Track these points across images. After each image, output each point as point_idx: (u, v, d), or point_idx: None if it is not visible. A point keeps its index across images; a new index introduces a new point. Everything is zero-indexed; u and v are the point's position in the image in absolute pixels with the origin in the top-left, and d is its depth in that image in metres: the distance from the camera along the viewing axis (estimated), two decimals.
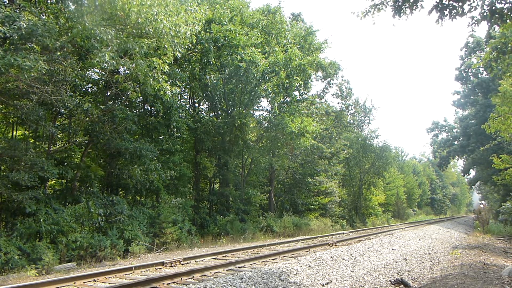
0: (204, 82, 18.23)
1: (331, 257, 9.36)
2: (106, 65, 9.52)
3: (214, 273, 8.13)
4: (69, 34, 9.81)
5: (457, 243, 15.99)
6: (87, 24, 8.80)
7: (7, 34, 8.26)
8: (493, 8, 6.91)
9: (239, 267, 8.84)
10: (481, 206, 35.10)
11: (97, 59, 9.26)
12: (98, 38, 9.06)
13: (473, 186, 51.64)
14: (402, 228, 23.38)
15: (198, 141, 18.73)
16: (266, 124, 21.45)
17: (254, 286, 6.43)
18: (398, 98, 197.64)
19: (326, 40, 23.46)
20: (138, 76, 10.44)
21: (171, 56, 11.49)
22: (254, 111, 23.22)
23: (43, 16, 9.95)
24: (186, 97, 20.26)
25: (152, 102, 15.09)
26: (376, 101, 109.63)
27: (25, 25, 8.38)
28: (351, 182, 32.50)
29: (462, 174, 46.42)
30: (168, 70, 11.25)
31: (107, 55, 9.14)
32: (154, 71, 10.63)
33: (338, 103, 32.90)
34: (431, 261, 10.63)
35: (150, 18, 9.84)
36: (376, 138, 33.06)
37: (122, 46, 9.80)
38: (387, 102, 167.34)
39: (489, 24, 7.21)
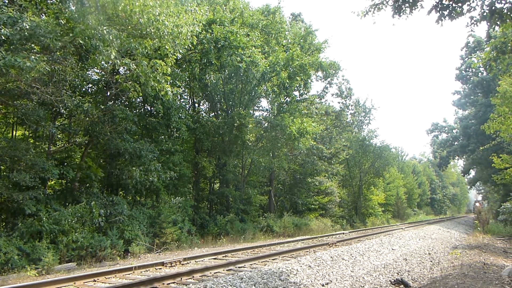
0: (204, 82, 18.23)
1: (331, 257, 9.37)
2: (110, 62, 9.52)
3: (214, 273, 8.13)
4: (71, 34, 9.81)
5: (457, 243, 16.00)
6: (90, 24, 8.80)
7: (9, 36, 8.25)
8: (493, 8, 6.91)
9: (239, 267, 8.84)
10: (477, 205, 35.11)
11: (101, 57, 9.27)
12: (100, 37, 9.06)
13: (473, 186, 51.66)
14: (402, 228, 23.38)
15: (198, 141, 18.73)
16: (266, 124, 21.45)
17: (254, 286, 6.44)
18: (398, 98, 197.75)
19: (327, 40, 23.41)
20: (140, 77, 10.44)
21: (173, 58, 11.50)
22: (254, 111, 23.24)
23: (43, 16, 9.95)
24: (186, 97, 20.26)
25: (152, 102, 15.10)
26: (376, 101, 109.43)
27: (27, 26, 8.37)
28: (351, 182, 32.50)
29: (462, 174, 46.41)
30: (170, 72, 11.27)
31: (112, 53, 9.14)
32: (156, 72, 10.64)
33: (338, 102, 32.91)
34: (431, 261, 10.64)
35: (152, 18, 9.84)
36: (376, 137, 33.13)
37: (124, 47, 9.80)
38: (387, 102, 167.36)
39: (488, 24, 7.21)
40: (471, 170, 41.06)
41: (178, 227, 14.36)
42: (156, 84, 10.72)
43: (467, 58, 34.86)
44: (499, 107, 19.04)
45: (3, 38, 8.19)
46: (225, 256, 10.95)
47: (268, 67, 18.09)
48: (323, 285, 7.03)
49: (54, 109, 11.44)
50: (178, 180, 16.39)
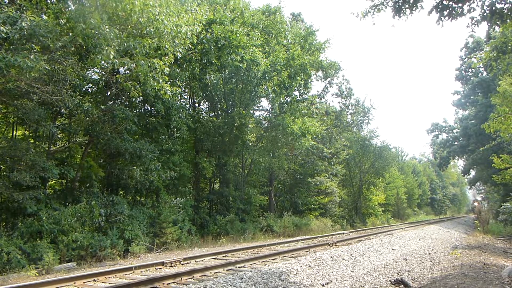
0: (204, 82, 18.23)
1: (331, 257, 9.37)
2: (110, 62, 9.52)
3: (214, 273, 8.14)
4: (71, 34, 9.81)
5: (457, 243, 16.00)
6: (92, 21, 8.79)
7: (9, 34, 8.25)
8: (493, 8, 6.91)
9: (239, 267, 8.84)
10: (476, 204, 35.08)
11: (100, 56, 9.27)
12: (100, 36, 9.06)
13: (473, 186, 51.68)
14: (402, 228, 23.39)
15: (198, 141, 18.73)
16: (266, 124, 21.45)
17: (254, 286, 6.44)
18: (398, 98, 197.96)
19: (327, 40, 23.38)
20: (139, 76, 10.44)
21: (172, 56, 11.50)
22: (254, 111, 23.24)
23: (43, 15, 9.95)
24: (186, 97, 20.26)
25: (152, 102, 15.10)
26: (376, 101, 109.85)
27: (26, 26, 8.36)
28: (351, 182, 32.50)
29: (462, 174, 46.37)
30: (168, 71, 11.27)
31: (111, 53, 9.14)
32: (154, 71, 10.64)
33: (339, 102, 32.88)
34: (431, 261, 10.64)
35: (152, 18, 9.85)
36: (376, 138, 33.11)
37: (123, 46, 9.80)
38: (387, 102, 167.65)
39: (489, 24, 7.22)
40: (471, 170, 41.05)
41: (178, 227, 14.36)
42: (155, 83, 10.72)
43: (466, 59, 34.88)
44: (499, 106, 19.06)
45: (3, 35, 8.18)
46: (225, 256, 10.95)
47: (269, 66, 18.09)
48: (323, 285, 7.03)
49: (54, 108, 11.44)
50: (178, 180, 16.39)
